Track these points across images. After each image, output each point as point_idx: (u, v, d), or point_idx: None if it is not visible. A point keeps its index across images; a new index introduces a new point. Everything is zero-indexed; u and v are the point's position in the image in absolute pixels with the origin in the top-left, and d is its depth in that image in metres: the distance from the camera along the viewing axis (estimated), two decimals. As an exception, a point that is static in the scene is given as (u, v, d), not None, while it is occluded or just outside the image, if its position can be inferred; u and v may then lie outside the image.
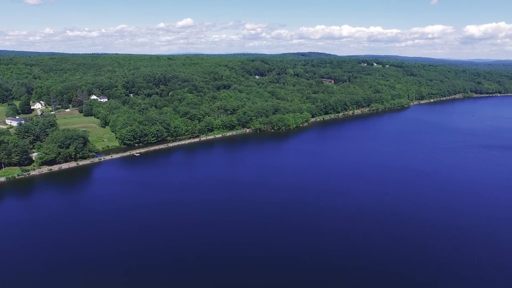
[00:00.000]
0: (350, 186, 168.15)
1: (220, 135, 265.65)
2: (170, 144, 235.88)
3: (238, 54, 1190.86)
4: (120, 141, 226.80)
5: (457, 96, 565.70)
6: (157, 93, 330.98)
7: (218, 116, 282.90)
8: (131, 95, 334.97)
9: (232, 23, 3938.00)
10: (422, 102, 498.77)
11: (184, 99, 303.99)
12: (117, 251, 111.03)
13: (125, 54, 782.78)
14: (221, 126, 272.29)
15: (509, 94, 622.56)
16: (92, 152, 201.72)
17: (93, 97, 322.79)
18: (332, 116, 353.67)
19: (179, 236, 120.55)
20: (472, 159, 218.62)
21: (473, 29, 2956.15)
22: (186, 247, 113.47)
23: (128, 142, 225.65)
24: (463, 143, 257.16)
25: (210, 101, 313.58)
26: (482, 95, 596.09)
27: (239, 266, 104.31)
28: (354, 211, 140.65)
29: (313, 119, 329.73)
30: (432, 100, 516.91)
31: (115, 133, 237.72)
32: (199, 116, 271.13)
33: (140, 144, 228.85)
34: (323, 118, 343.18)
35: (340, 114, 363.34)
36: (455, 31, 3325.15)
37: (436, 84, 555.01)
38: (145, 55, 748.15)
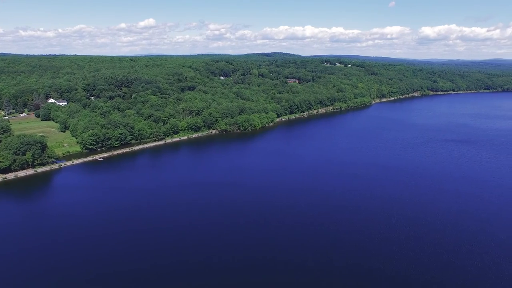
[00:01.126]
0: (319, 184, 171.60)
1: (185, 137, 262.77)
2: (135, 148, 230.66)
3: (202, 55, 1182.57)
4: (82, 146, 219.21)
5: (415, 94, 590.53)
6: (119, 96, 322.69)
7: (183, 118, 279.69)
8: (92, 98, 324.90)
9: (196, 23, 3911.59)
10: (383, 100, 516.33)
11: (147, 101, 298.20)
12: (81, 259, 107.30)
13: (85, 55, 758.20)
14: (186, 128, 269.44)
15: (461, 92, 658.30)
16: (51, 158, 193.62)
17: (51, 100, 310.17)
18: (297, 115, 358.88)
19: (147, 240, 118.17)
20: (433, 153, 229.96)
21: (428, 30, 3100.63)
22: (155, 252, 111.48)
23: (91, 146, 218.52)
24: (424, 139, 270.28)
25: (175, 103, 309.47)
26: (437, 92, 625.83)
27: (211, 269, 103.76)
28: (322, 208, 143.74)
29: (278, 119, 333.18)
30: (393, 98, 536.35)
31: (76, 138, 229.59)
32: (164, 118, 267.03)
33: (103, 148, 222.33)
34: (289, 118, 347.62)
35: (305, 113, 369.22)
36: (412, 32, 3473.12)
37: (396, 83, 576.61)
38: (106, 57, 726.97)
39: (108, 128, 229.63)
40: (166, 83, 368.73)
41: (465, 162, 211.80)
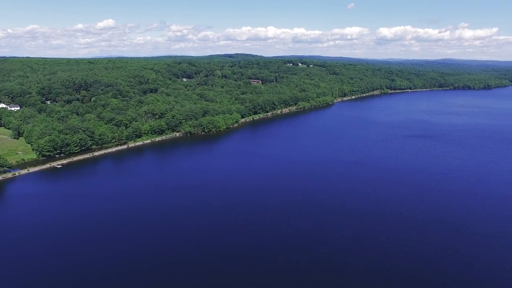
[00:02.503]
0: (286, 183, 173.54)
1: (149, 141, 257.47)
2: (96, 153, 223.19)
3: (164, 56, 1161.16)
4: (38, 153, 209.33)
5: (375, 92, 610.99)
6: (78, 99, 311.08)
7: (146, 121, 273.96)
8: (48, 102, 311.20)
9: (157, 24, 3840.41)
10: (345, 99, 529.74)
11: (108, 105, 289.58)
12: (37, 267, 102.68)
13: (39, 57, 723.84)
14: (149, 131, 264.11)
15: (417, 90, 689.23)
16: (3, 166, 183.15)
17: (2, 105, 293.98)
18: (261, 115, 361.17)
19: (110, 247, 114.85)
20: (394, 148, 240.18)
21: (386, 31, 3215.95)
22: (123, 258, 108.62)
23: (48, 153, 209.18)
24: (386, 135, 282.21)
25: (137, 105, 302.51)
26: (396, 91, 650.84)
27: (181, 273, 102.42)
28: (290, 206, 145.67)
29: (243, 120, 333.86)
30: (354, 97, 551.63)
31: (32, 145, 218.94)
32: (126, 122, 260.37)
33: (62, 154, 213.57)
34: (253, 118, 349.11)
35: (269, 113, 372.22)
36: (370, 32, 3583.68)
37: (357, 82, 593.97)
38: (62, 59, 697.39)
39: (66, 134, 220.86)
40: (127, 85, 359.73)
41: (423, 155, 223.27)
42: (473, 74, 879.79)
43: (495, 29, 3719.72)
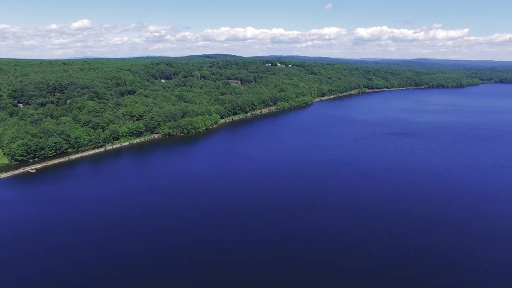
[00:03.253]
0: (268, 182, 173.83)
1: (127, 143, 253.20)
2: (72, 157, 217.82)
3: (142, 57, 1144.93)
4: (10, 157, 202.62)
5: (353, 91, 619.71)
6: (52, 102, 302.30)
7: (123, 123, 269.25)
8: (21, 105, 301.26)
9: (134, 25, 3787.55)
10: (323, 98, 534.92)
11: (84, 107, 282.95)
12: (11, 277, 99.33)
13: (10, 58, 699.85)
14: (127, 134, 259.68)
15: (394, 89, 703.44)
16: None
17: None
18: (241, 116, 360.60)
19: (91, 253, 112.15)
20: (374, 146, 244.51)
21: (363, 32, 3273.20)
22: (99, 265, 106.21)
23: (21, 158, 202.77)
24: (365, 133, 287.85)
25: (114, 107, 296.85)
26: (373, 90, 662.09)
27: (166, 276, 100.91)
28: (274, 206, 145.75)
29: (222, 121, 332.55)
30: (332, 96, 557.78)
31: (3, 149, 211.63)
32: (103, 124, 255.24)
33: (36, 159, 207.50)
34: (232, 119, 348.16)
35: (249, 114, 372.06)
36: (348, 33, 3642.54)
37: (335, 82, 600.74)
38: (35, 60, 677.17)
39: (40, 137, 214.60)
40: (104, 87, 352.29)
41: (402, 153, 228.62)
42: (446, 73, 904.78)
43: (466, 30, 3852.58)
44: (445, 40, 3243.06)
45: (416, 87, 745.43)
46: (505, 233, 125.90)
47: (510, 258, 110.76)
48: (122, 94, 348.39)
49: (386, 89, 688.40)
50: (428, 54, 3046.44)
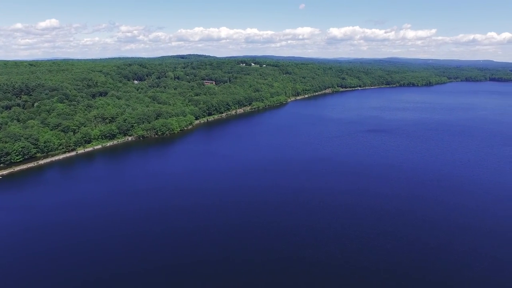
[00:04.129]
0: (246, 182, 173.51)
1: (99, 146, 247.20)
2: (41, 161, 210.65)
3: (114, 58, 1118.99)
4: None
5: (327, 91, 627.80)
6: (18, 105, 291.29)
7: (95, 126, 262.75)
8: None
9: (106, 25, 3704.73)
10: (298, 98, 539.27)
11: (54, 110, 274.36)
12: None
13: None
14: (100, 136, 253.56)
15: (367, 88, 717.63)
16: None
17: None
18: (216, 117, 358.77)
19: (62, 260, 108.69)
20: (349, 143, 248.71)
21: (336, 31, 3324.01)
22: (72, 273, 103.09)
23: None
24: (340, 132, 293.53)
25: (85, 110, 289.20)
26: (346, 89, 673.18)
27: (144, 282, 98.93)
28: (254, 205, 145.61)
29: (197, 121, 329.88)
30: (307, 96, 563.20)
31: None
32: (74, 127, 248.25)
33: (1, 165, 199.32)
34: (207, 120, 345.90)
35: (224, 114, 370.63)
36: (321, 33, 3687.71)
37: (309, 81, 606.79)
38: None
39: (6, 142, 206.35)
40: (74, 89, 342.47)
41: (376, 149, 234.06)
42: (416, 72, 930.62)
43: (434, 30, 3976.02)
44: (414, 40, 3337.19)
45: (388, 86, 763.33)
46: (462, 219, 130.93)
47: (469, 243, 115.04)
48: (93, 96, 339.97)
49: (359, 88, 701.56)
50: (398, 54, 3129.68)
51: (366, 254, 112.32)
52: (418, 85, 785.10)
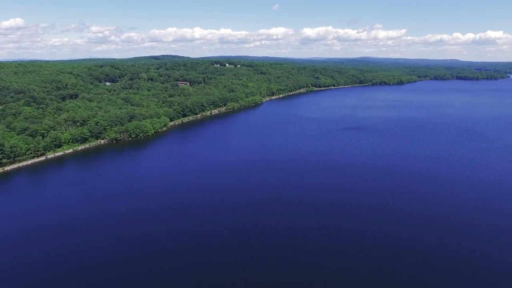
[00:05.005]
0: (224, 182, 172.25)
1: (71, 150, 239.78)
2: (7, 168, 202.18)
3: (85, 59, 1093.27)
4: None
5: (302, 90, 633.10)
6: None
7: (66, 129, 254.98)
8: None
9: (75, 25, 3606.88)
10: (273, 97, 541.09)
11: (20, 113, 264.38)
12: None
13: None
14: (70, 140, 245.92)
15: (340, 87, 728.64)
16: None
17: None
18: (191, 118, 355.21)
19: (28, 267, 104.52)
20: (325, 142, 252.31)
21: (309, 32, 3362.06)
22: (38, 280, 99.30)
23: None
24: (315, 130, 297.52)
25: (55, 113, 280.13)
26: (321, 88, 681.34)
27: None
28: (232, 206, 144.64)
29: (172, 123, 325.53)
30: (282, 95, 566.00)
31: None
32: (42, 131, 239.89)
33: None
34: (182, 121, 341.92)
35: (199, 115, 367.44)
36: (295, 33, 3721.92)
37: (283, 81, 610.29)
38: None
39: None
40: (43, 92, 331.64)
41: (352, 147, 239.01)
42: (388, 71, 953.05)
43: (404, 31, 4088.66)
44: (385, 39, 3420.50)
45: (360, 85, 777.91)
46: (432, 212, 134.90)
47: (440, 234, 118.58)
48: (63, 99, 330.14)
49: (333, 87, 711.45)
50: (370, 53, 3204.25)
51: (345, 250, 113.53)
52: (390, 84, 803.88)
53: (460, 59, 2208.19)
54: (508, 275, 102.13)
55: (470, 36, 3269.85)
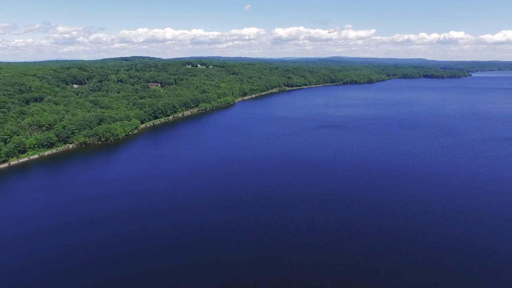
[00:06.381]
0: (197, 183, 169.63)
1: (36, 156, 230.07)
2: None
3: (51, 61, 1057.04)
4: None
5: (274, 90, 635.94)
6: None
7: (30, 134, 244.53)
8: None
9: (40, 25, 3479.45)
10: (245, 98, 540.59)
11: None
12: None
13: None
14: (36, 145, 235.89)
15: (312, 86, 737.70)
16: None
17: None
18: (162, 120, 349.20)
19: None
20: (304, 140, 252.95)
21: (281, 32, 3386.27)
22: None
23: None
24: (290, 129, 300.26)
25: (18, 117, 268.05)
26: (293, 88, 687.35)
27: None
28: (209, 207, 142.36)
29: (143, 126, 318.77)
30: (254, 96, 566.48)
31: None
32: (5, 136, 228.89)
33: None
34: (153, 123, 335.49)
35: (170, 117, 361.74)
36: (267, 33, 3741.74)
37: (256, 81, 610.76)
38: None
39: None
40: (4, 95, 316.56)
41: (326, 144, 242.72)
42: (358, 70, 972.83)
43: (373, 31, 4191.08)
44: (355, 39, 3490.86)
45: (332, 84, 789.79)
46: (403, 205, 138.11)
47: (412, 227, 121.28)
48: (27, 102, 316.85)
49: (305, 87, 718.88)
50: (341, 53, 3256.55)
51: (322, 246, 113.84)
52: (360, 83, 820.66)
53: (427, 58, 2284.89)
54: (472, 263, 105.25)
55: (435, 36, 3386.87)
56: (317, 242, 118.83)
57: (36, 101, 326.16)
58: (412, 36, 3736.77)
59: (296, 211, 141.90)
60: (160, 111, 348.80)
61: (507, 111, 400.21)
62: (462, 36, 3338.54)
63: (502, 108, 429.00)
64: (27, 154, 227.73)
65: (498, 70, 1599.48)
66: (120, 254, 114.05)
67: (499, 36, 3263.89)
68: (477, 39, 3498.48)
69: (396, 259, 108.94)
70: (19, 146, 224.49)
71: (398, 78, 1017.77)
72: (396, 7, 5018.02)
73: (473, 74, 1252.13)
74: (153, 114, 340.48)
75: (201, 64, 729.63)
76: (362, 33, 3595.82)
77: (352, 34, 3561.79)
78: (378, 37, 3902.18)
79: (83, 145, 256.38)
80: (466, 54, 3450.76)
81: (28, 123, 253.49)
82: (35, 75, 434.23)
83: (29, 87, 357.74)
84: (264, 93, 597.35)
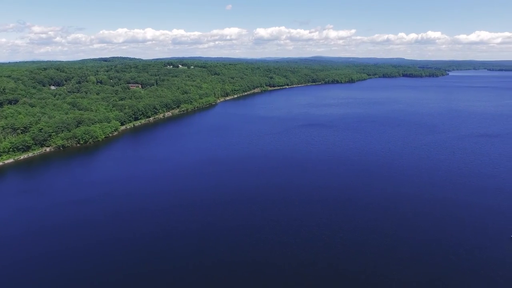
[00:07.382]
0: (183, 185, 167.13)
1: (11, 160, 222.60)
2: None
3: (27, 62, 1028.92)
4: None
5: (256, 90, 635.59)
6: None
7: (5, 137, 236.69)
8: None
9: (14, 24, 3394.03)
10: (227, 98, 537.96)
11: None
12: None
13: None
14: (11, 149, 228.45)
15: (294, 86, 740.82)
16: None
17: None
18: (143, 121, 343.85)
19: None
20: (287, 139, 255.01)
21: (262, 32, 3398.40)
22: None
23: None
24: (275, 128, 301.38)
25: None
26: (275, 88, 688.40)
27: None
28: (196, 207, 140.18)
29: (123, 127, 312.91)
30: (236, 96, 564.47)
31: None
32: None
33: None
34: (134, 125, 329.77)
35: (151, 118, 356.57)
36: (249, 33, 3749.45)
37: (238, 81, 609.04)
38: None
39: None
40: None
41: (307, 144, 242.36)
42: (339, 70, 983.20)
43: (353, 31, 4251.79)
44: (336, 39, 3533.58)
45: (314, 83, 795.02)
46: (384, 203, 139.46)
47: (395, 224, 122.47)
48: (0, 104, 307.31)
49: (287, 86, 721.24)
50: (322, 53, 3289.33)
51: (308, 244, 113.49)
52: (341, 82, 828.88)
53: (405, 58, 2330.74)
54: (449, 256, 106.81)
55: (413, 36, 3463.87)
56: (300, 241, 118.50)
57: (10, 103, 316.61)
58: (391, 36, 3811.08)
59: (277, 211, 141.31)
60: (141, 113, 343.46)
61: (482, 109, 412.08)
62: (439, 36, 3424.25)
63: (477, 106, 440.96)
64: (1, 159, 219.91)
65: (474, 69, 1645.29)
66: (102, 258, 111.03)
67: (473, 37, 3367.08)
68: (453, 39, 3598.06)
69: (376, 255, 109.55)
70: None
71: (379, 77, 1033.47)
72: (376, 7, 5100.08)
73: (450, 73, 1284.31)
74: (133, 116, 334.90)
75: (182, 65, 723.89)
76: (343, 33, 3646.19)
77: (333, 34, 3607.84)
78: (358, 37, 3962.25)
79: (61, 148, 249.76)
80: (443, 53, 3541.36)
81: (2, 126, 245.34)
82: (9, 76, 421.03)
83: (3, 89, 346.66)
84: (246, 93, 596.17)
